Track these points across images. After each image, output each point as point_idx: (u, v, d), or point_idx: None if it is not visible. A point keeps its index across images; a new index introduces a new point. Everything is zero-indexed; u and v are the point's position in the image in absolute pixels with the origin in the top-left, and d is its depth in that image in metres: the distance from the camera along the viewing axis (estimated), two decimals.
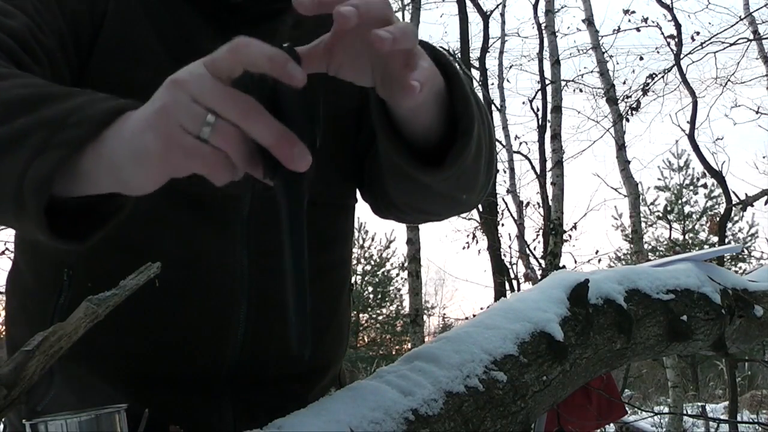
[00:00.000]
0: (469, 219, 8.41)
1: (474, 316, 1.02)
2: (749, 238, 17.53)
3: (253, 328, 0.87)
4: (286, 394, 0.83)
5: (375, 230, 19.79)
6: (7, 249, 9.40)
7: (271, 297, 0.86)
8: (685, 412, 7.76)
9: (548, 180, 7.35)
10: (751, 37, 7.51)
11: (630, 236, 9.19)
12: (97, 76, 0.82)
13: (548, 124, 7.62)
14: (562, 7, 9.08)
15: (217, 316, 0.85)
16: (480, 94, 9.55)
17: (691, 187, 18.49)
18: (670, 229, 17.86)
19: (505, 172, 9.38)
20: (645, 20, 8.14)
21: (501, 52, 10.15)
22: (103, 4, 0.85)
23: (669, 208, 18.34)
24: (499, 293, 8.27)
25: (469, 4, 9.83)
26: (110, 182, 0.57)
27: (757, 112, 7.64)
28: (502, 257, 8.60)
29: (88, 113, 0.58)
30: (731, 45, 7.33)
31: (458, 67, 0.76)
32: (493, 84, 9.95)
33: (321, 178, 0.61)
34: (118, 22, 0.84)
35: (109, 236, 0.71)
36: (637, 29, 8.24)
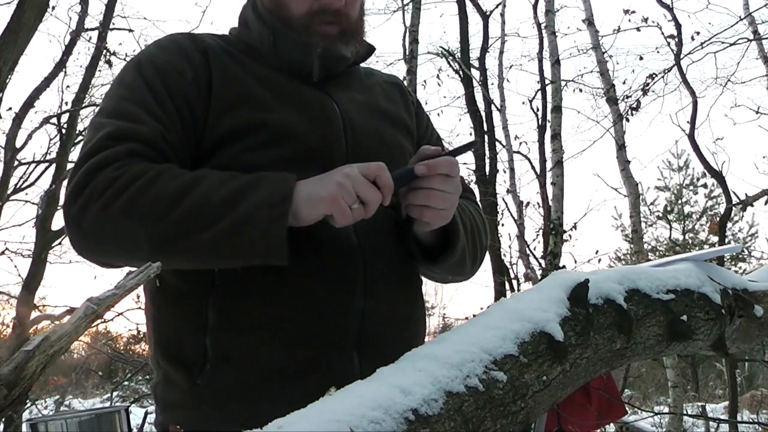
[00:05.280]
0: None
1: (474, 316, 1.02)
2: (749, 238, 17.52)
3: (369, 297, 1.11)
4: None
5: None
6: (7, 249, 9.40)
7: (379, 269, 1.13)
8: (685, 412, 7.76)
9: (548, 180, 7.34)
10: (751, 37, 7.50)
11: (630, 236, 9.20)
12: (217, 123, 1.10)
13: (548, 124, 7.61)
14: (562, 7, 9.08)
15: (341, 287, 1.10)
16: (480, 95, 9.39)
17: (691, 187, 18.49)
18: (670, 229, 17.88)
19: (505, 172, 9.37)
20: (645, 20, 8.13)
21: (501, 52, 10.13)
22: (205, 75, 1.12)
23: (669, 208, 18.33)
24: (499, 293, 8.28)
25: (469, 4, 9.85)
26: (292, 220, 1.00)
27: (757, 112, 7.63)
28: (502, 257, 8.60)
29: (280, 191, 1.00)
30: (731, 45, 7.32)
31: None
32: (493, 84, 9.94)
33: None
34: (226, 84, 1.13)
35: None
36: (637, 29, 8.22)
